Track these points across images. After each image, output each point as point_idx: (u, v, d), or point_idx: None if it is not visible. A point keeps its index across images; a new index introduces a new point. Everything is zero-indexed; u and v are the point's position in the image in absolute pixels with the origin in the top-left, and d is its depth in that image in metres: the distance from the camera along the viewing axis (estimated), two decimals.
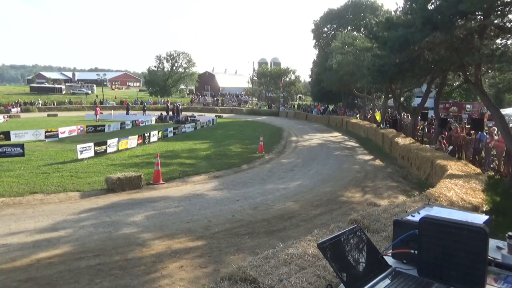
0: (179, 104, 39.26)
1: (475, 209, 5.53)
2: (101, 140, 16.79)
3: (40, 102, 49.53)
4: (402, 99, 26.82)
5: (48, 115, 40.44)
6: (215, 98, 62.61)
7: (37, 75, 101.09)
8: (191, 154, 16.64)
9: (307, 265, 2.93)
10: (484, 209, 5.91)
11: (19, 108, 44.19)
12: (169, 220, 8.04)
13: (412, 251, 1.75)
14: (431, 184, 8.63)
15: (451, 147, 13.74)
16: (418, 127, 20.27)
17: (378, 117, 26.30)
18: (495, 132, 12.74)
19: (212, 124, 32.19)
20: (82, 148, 14.68)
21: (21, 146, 14.74)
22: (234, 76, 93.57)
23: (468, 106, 29.56)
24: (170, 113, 35.51)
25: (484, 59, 10.71)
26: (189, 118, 33.13)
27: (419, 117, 19.25)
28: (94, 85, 69.03)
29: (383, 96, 30.24)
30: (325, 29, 48.95)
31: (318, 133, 28.30)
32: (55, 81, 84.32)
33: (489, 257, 1.63)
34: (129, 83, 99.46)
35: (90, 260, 5.97)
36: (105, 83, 76.91)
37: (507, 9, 10.13)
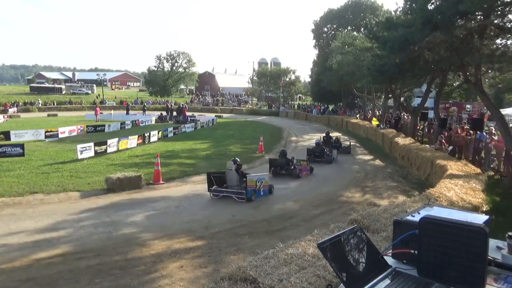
0: (183, 105, 39.10)
1: (475, 209, 5.53)
2: (101, 140, 16.80)
3: (40, 102, 49.44)
4: (402, 99, 26.78)
5: (48, 115, 40.37)
6: (215, 98, 62.61)
7: (37, 75, 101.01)
8: (191, 154, 16.64)
9: (307, 265, 2.93)
10: (484, 209, 5.91)
11: (15, 108, 43.33)
12: (169, 220, 8.04)
13: (412, 251, 1.75)
14: (431, 184, 8.63)
15: (451, 147, 13.73)
16: (418, 127, 20.27)
17: (375, 122, 24.24)
18: (494, 131, 12.76)
19: (212, 124, 32.18)
20: (82, 148, 14.68)
21: (21, 146, 14.74)
22: (234, 76, 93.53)
23: (468, 106, 29.56)
24: (174, 113, 35.26)
25: (484, 59, 10.71)
26: (189, 118, 33.11)
27: (419, 117, 19.25)
28: (94, 85, 68.91)
29: (383, 96, 30.24)
30: (325, 29, 48.95)
31: (318, 133, 28.13)
32: (55, 81, 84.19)
33: (489, 257, 1.63)
34: (129, 83, 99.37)
35: (90, 260, 5.97)
36: (105, 83, 76.86)
37: (507, 9, 10.13)
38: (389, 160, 15.79)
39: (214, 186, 9.78)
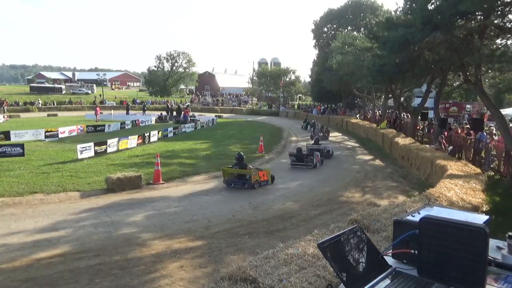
0: (183, 105, 39.00)
1: (475, 209, 5.53)
2: (101, 140, 16.79)
3: (40, 102, 49.42)
4: (402, 99, 26.74)
5: (48, 115, 40.30)
6: (215, 98, 62.60)
7: (37, 75, 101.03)
8: (191, 154, 16.63)
9: (307, 265, 2.93)
10: (484, 209, 5.91)
11: None
12: (169, 220, 8.04)
13: (412, 251, 1.75)
14: (431, 184, 8.62)
15: (451, 147, 13.73)
16: (418, 127, 20.26)
17: (383, 125, 22.79)
18: (494, 131, 12.76)
19: (212, 124, 32.18)
20: (82, 148, 14.67)
21: (21, 146, 14.73)
22: (234, 76, 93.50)
23: (468, 106, 29.54)
24: (174, 113, 35.28)
25: (484, 59, 10.70)
26: (189, 118, 33.11)
27: (419, 117, 19.24)
28: (94, 85, 68.95)
29: (383, 96, 30.22)
30: (325, 29, 48.90)
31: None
32: (55, 81, 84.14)
33: (489, 257, 1.63)
34: (129, 83, 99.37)
35: (90, 260, 5.97)
36: (105, 83, 76.88)
37: (507, 9, 10.14)
38: (389, 160, 15.79)
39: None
